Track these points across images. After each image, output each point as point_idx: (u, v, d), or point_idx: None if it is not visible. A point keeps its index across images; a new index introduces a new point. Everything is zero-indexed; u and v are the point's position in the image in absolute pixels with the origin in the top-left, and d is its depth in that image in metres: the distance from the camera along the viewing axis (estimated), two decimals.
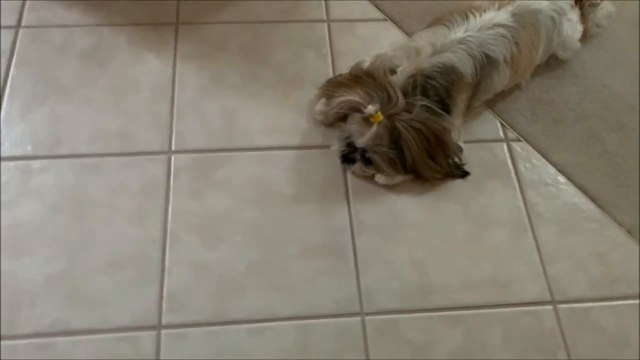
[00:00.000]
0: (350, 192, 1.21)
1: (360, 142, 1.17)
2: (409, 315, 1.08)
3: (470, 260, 1.14)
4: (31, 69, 1.31)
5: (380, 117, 1.14)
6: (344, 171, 1.24)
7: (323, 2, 1.48)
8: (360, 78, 1.22)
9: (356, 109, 1.17)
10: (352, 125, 1.18)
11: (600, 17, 1.44)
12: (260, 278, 1.11)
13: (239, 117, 1.30)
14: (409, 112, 1.16)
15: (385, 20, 1.46)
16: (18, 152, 1.20)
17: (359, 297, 1.10)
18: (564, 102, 1.34)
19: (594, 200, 1.21)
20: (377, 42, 1.40)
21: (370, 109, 1.14)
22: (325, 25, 1.44)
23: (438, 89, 1.19)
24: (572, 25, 1.36)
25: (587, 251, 1.16)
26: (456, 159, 1.23)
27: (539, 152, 1.28)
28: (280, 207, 1.19)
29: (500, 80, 1.28)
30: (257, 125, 1.29)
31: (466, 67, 1.21)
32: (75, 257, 1.10)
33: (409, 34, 1.41)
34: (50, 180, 1.18)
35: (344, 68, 1.30)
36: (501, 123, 1.31)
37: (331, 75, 1.34)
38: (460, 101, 1.24)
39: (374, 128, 1.15)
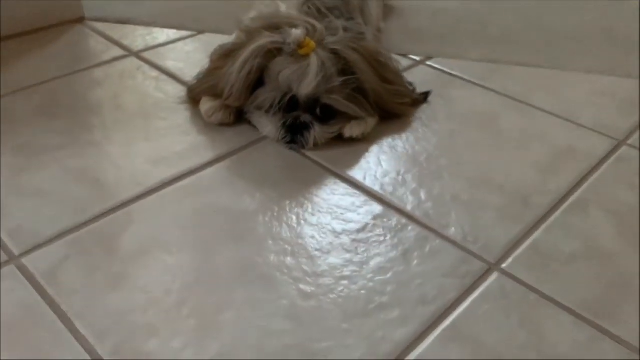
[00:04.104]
0: (327, 164, 0.80)
1: (306, 84, 0.79)
2: (540, 229, 0.70)
3: (505, 152, 0.84)
4: None
5: (312, 43, 0.80)
6: (300, 152, 0.82)
7: (110, 43, 1.09)
8: (239, 47, 0.86)
9: (276, 49, 0.80)
10: (284, 72, 0.79)
11: None
12: (345, 316, 0.58)
13: (102, 169, 0.77)
14: (334, 35, 0.85)
15: (201, 33, 1.14)
16: None
17: (472, 253, 0.67)
18: (425, 25, 1.21)
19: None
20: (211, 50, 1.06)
21: (297, 32, 0.79)
22: (134, 58, 1.04)
23: (339, 8, 0.93)
24: None
25: None
26: (406, 83, 0.94)
27: (450, 57, 1.09)
28: (267, 219, 0.69)
29: (373, 6, 1.08)
30: (139, 166, 0.78)
31: None
32: None
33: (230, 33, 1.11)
34: None
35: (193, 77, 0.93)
36: (399, 54, 1.09)
37: (185, 88, 0.94)
38: (362, 23, 0.99)
39: (314, 58, 0.79)
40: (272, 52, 0.81)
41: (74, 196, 0.73)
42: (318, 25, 0.84)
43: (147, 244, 0.66)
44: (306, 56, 0.80)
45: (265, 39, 0.81)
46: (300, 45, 0.80)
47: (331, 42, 0.83)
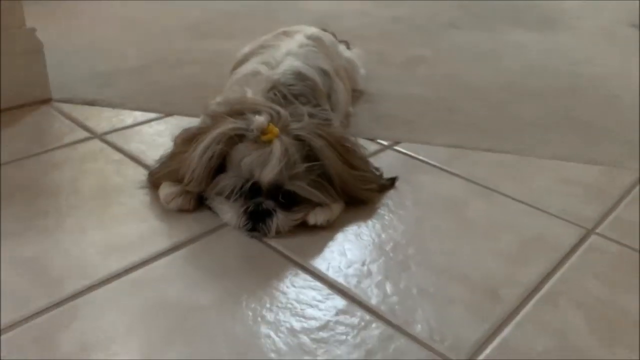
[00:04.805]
0: (290, 254, 0.76)
1: (268, 171, 0.77)
2: (510, 325, 0.67)
3: (482, 238, 0.81)
4: None
5: (276, 129, 0.79)
6: (261, 240, 0.79)
7: (75, 125, 1.07)
8: (203, 131, 0.85)
9: (239, 135, 0.79)
10: (246, 159, 0.78)
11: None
12: None
13: (51, 259, 0.73)
14: (299, 121, 0.84)
15: (169, 115, 1.14)
16: None
17: (438, 353, 0.62)
18: (394, 110, 1.23)
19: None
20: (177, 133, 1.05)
21: (259, 119, 0.78)
22: (98, 140, 1.02)
23: (306, 95, 0.93)
24: (349, 52, 1.31)
25: None
26: (372, 168, 0.93)
27: (417, 142, 1.09)
28: (221, 315, 0.65)
29: (341, 93, 1.09)
30: (89, 256, 0.74)
31: (314, 74, 0.99)
32: None
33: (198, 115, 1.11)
34: None
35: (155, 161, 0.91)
36: (368, 139, 1.09)
37: (146, 171, 0.91)
38: (329, 109, 0.98)
39: (277, 144, 0.78)
40: (234, 139, 0.80)
41: (17, 289, 0.68)
42: (282, 111, 0.84)
43: (88, 343, 0.61)
44: (269, 142, 0.79)
45: (228, 125, 0.80)
46: (263, 131, 0.79)
47: (296, 128, 0.82)
